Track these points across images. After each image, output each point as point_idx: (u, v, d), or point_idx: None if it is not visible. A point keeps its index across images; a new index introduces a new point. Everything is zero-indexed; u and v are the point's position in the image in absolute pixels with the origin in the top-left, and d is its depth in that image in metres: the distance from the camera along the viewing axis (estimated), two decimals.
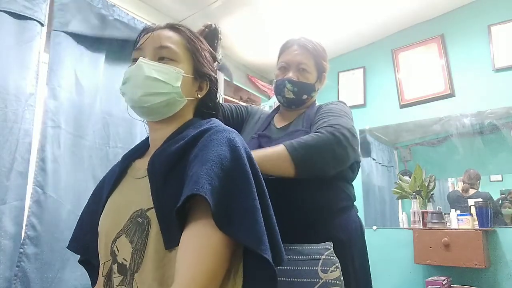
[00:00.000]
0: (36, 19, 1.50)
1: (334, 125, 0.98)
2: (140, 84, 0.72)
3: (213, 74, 0.82)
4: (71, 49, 1.64)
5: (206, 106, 0.83)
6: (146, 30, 0.79)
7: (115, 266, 0.67)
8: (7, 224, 1.31)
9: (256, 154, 0.88)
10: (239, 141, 0.67)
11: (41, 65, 1.52)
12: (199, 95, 0.80)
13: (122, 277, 0.66)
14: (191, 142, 0.68)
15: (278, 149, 0.92)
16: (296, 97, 1.15)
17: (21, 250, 1.33)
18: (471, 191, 2.50)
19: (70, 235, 0.81)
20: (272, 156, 0.91)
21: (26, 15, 1.47)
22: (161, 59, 0.75)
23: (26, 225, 1.35)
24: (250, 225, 0.58)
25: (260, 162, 0.84)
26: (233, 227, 0.58)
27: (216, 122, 0.76)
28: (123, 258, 0.66)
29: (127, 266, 0.65)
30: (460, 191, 2.55)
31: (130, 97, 0.74)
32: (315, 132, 0.98)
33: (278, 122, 1.20)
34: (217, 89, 0.84)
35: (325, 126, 0.98)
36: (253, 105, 1.34)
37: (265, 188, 0.67)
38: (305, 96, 1.15)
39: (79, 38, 1.67)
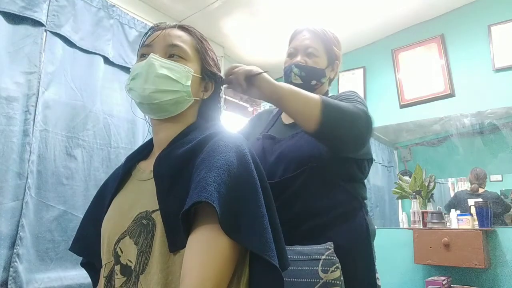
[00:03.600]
0: (36, 19, 1.50)
1: (364, 107, 0.94)
2: (151, 80, 0.72)
3: (219, 74, 0.82)
4: (66, 50, 1.64)
5: (209, 107, 0.83)
6: (156, 28, 0.79)
7: (117, 267, 0.67)
8: (1, 225, 1.31)
9: (292, 89, 0.85)
10: (246, 146, 0.68)
11: (42, 66, 1.52)
12: (204, 96, 0.80)
13: (125, 278, 0.65)
14: (198, 146, 0.67)
15: (314, 96, 0.87)
16: (304, 83, 1.09)
17: (15, 250, 1.32)
18: (480, 190, 2.48)
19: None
20: (304, 97, 0.86)
21: (25, 15, 1.47)
22: (171, 56, 0.75)
23: (19, 226, 1.35)
24: (257, 231, 0.59)
25: (290, 97, 0.84)
26: (240, 233, 0.58)
27: (222, 126, 0.76)
28: (128, 260, 0.65)
29: (132, 268, 0.64)
30: (469, 191, 2.52)
31: (139, 93, 0.73)
32: (354, 103, 0.91)
33: (287, 117, 1.15)
34: (221, 90, 0.84)
35: (357, 102, 0.93)
36: (259, 111, 1.32)
37: (271, 193, 0.67)
38: (314, 82, 1.10)
39: (76, 38, 1.67)
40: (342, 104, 0.89)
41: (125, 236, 0.67)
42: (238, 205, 0.59)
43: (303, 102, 0.86)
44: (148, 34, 0.79)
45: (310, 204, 0.98)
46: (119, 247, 0.67)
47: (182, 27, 0.80)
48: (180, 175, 0.65)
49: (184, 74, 0.74)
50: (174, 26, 0.79)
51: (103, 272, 0.71)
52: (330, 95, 1.15)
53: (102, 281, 0.71)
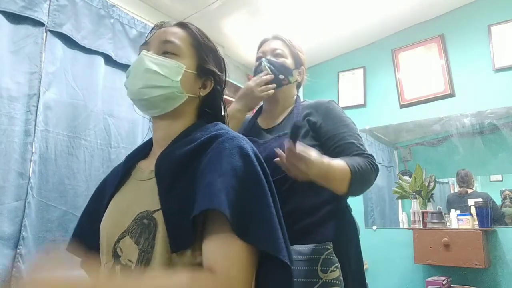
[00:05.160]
0: (37, 18, 1.50)
1: (374, 159, 1.02)
2: (140, 76, 0.73)
3: (217, 72, 0.81)
4: (67, 50, 1.63)
5: (209, 106, 0.82)
6: (156, 26, 0.80)
7: (117, 267, 0.67)
8: (4, 225, 1.31)
9: (324, 166, 0.88)
10: (249, 147, 0.68)
11: (43, 66, 1.52)
12: (201, 93, 0.78)
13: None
14: (200, 147, 0.68)
15: (344, 167, 0.92)
16: (273, 75, 1.15)
17: (18, 250, 1.32)
18: (469, 191, 2.49)
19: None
20: (336, 173, 0.91)
21: (25, 15, 1.47)
22: (165, 53, 0.75)
23: (22, 226, 1.35)
24: (269, 232, 0.61)
25: (326, 175, 0.87)
26: (252, 235, 0.59)
27: (223, 127, 0.76)
28: (128, 260, 0.65)
29: (133, 268, 0.64)
30: (458, 193, 2.54)
31: (130, 89, 0.75)
32: (367, 159, 0.99)
33: (264, 123, 1.19)
34: (222, 89, 0.83)
35: (368, 156, 1.01)
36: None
37: (275, 191, 0.68)
38: (282, 76, 1.15)
39: (78, 37, 1.67)
40: (365, 168, 0.96)
41: (125, 236, 0.67)
42: (248, 207, 0.61)
43: (337, 176, 0.92)
44: (150, 33, 0.80)
45: (301, 203, 1.00)
46: (119, 247, 0.67)
47: (181, 24, 0.80)
48: (182, 175, 0.66)
49: (174, 70, 0.73)
50: (173, 24, 0.80)
51: (103, 272, 0.71)
52: (302, 101, 1.18)
53: None
